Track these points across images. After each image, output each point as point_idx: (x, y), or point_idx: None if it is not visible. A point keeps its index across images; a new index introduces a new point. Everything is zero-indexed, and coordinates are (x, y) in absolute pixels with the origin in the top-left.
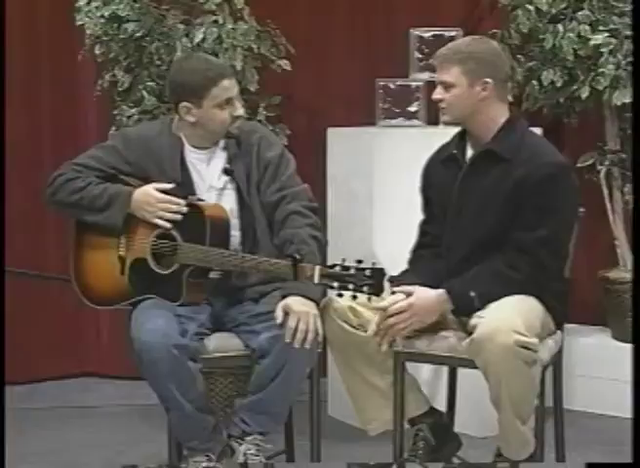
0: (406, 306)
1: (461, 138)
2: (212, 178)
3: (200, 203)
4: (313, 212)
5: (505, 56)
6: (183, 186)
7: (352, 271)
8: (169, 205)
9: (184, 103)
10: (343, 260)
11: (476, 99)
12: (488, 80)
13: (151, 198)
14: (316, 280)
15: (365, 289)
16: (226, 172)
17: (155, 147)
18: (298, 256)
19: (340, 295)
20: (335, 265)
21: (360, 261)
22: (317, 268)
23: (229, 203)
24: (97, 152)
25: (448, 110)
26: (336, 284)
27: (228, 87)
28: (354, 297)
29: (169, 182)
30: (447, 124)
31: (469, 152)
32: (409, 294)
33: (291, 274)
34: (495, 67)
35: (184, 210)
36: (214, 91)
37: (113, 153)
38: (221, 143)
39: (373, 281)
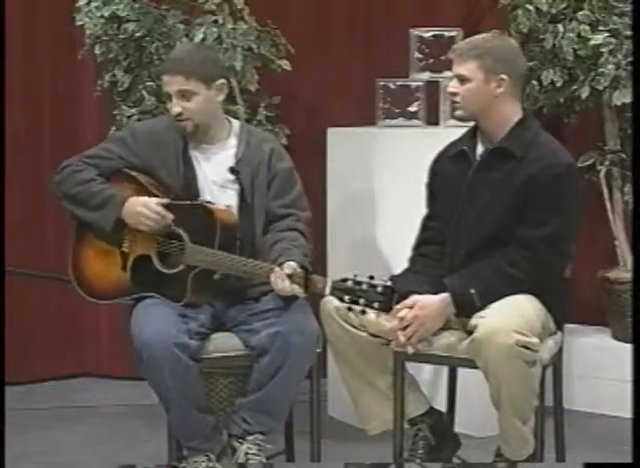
0: (411, 319)
1: (472, 136)
2: (214, 174)
3: (211, 206)
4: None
5: (522, 54)
6: (187, 182)
7: (364, 287)
8: (160, 218)
9: None
10: (355, 275)
11: (491, 95)
12: (504, 77)
13: (145, 210)
14: (327, 292)
15: (375, 305)
16: (232, 171)
17: (161, 142)
18: (310, 268)
19: (350, 309)
20: (347, 279)
21: (372, 277)
22: (329, 281)
23: (229, 201)
24: (106, 144)
25: (462, 105)
26: (347, 297)
27: (166, 82)
28: (363, 312)
29: (171, 177)
30: (460, 119)
31: (480, 149)
32: (411, 306)
33: (302, 284)
34: (511, 65)
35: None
36: (163, 80)
37: (121, 145)
38: (232, 142)
39: (384, 298)
